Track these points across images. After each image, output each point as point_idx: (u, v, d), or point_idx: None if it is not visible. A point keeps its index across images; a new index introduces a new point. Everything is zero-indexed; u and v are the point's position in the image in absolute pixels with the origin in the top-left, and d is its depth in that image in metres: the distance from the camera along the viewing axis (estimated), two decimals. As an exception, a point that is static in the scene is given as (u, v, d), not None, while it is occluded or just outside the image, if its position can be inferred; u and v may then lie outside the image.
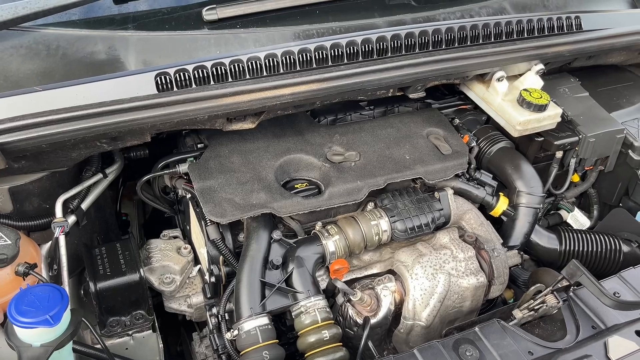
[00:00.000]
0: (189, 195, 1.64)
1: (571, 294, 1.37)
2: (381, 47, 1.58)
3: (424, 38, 1.62)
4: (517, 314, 1.33)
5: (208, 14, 1.55)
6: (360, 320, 1.49)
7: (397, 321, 1.55)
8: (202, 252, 1.62)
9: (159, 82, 1.40)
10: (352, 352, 1.42)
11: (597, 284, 1.30)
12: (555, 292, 1.34)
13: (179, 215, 1.94)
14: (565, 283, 1.37)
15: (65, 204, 1.56)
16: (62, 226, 1.47)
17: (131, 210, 2.20)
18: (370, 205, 1.66)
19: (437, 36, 1.63)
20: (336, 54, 1.54)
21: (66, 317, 1.19)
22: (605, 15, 1.92)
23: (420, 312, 1.50)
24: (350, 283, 1.57)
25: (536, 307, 1.33)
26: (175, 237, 1.79)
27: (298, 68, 1.50)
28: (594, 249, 1.80)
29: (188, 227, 1.79)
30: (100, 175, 1.67)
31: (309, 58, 1.51)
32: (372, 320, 1.49)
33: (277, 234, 1.53)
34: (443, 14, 1.72)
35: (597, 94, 2.04)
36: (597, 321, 1.32)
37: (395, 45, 1.59)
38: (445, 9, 1.74)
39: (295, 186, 1.66)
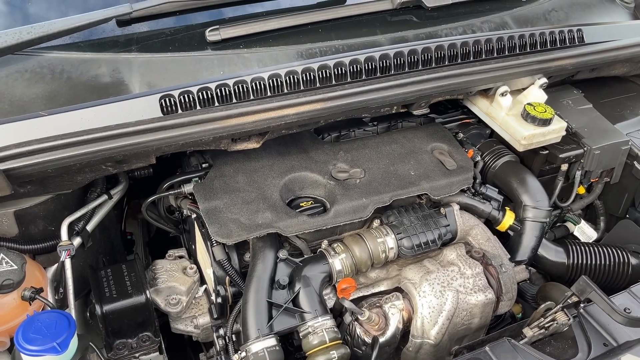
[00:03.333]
0: (194, 215, 1.64)
1: (581, 310, 1.36)
2: (384, 64, 1.58)
3: (427, 55, 1.62)
4: (528, 332, 1.32)
5: (211, 35, 1.55)
6: (368, 339, 1.48)
7: (405, 339, 1.54)
8: (209, 273, 1.61)
9: (164, 105, 1.40)
10: (361, 372, 1.41)
11: (608, 300, 1.29)
12: (565, 309, 1.33)
13: (184, 235, 1.93)
14: (574, 299, 1.36)
15: (70, 226, 1.56)
16: (68, 249, 1.47)
17: (136, 229, 2.20)
18: (376, 222, 1.66)
19: (440, 52, 1.63)
20: (340, 72, 1.54)
21: (73, 344, 1.18)
22: (607, 27, 1.93)
23: (429, 330, 1.49)
24: (357, 301, 1.56)
25: (547, 325, 1.32)
26: (180, 257, 1.78)
27: (302, 87, 1.50)
28: (602, 262, 1.79)
29: (193, 247, 1.79)
30: (105, 197, 1.67)
31: (312, 77, 1.51)
32: (381, 339, 1.47)
33: (283, 254, 1.52)
34: (445, 30, 1.72)
35: (601, 106, 2.04)
36: (608, 338, 1.30)
37: (399, 62, 1.59)
38: (447, 25, 1.74)
39: (301, 204, 1.66)
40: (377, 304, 1.54)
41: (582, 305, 1.36)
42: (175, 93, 1.41)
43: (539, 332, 1.32)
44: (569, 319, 1.32)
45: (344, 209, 1.59)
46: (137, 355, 1.56)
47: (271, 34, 1.60)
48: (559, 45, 1.79)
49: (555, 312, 1.32)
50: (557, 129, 1.79)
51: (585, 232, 2.05)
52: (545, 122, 1.75)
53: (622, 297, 1.39)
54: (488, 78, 1.70)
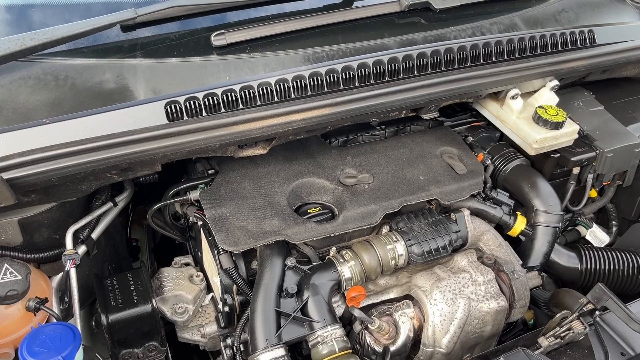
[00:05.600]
0: (200, 223, 1.61)
1: (597, 319, 1.32)
2: (393, 68, 1.55)
3: (436, 58, 1.59)
4: (543, 341, 1.29)
5: (217, 39, 1.53)
6: (378, 348, 1.45)
7: (416, 348, 1.51)
8: (215, 281, 1.59)
9: (169, 111, 1.38)
10: (372, 383, 1.38)
11: (625, 309, 1.26)
12: (581, 317, 1.30)
13: (190, 242, 1.91)
14: (590, 307, 1.33)
15: (75, 234, 1.54)
16: (72, 259, 1.45)
17: (141, 235, 2.18)
18: (385, 229, 1.63)
19: (450, 55, 1.61)
20: (347, 76, 1.51)
21: (79, 357, 1.16)
22: (618, 28, 1.89)
23: (440, 338, 1.46)
24: (367, 309, 1.54)
25: (562, 334, 1.29)
26: (187, 265, 1.76)
27: (309, 92, 1.47)
28: (616, 267, 1.76)
29: (200, 254, 1.77)
30: (110, 204, 1.65)
31: (320, 82, 1.49)
32: (391, 348, 1.45)
33: (291, 261, 1.49)
34: (454, 32, 1.69)
35: (612, 108, 2.00)
36: (626, 347, 1.27)
37: (407, 65, 1.56)
38: (456, 27, 1.71)
39: (309, 211, 1.63)
40: (387, 312, 1.51)
41: (598, 313, 1.33)
42: (181, 99, 1.39)
43: (554, 342, 1.29)
44: (585, 327, 1.28)
45: (352, 215, 1.56)
46: (143, 365, 1.54)
47: (277, 38, 1.57)
48: (570, 47, 1.76)
49: (571, 321, 1.29)
50: (569, 132, 1.75)
51: (597, 236, 2.01)
52: (557, 125, 1.72)
53: (639, 305, 1.35)
54: (498, 81, 1.67)
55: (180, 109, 1.39)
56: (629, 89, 2.12)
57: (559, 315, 1.30)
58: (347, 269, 1.50)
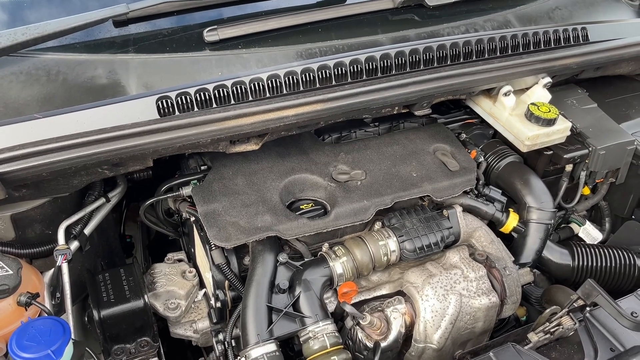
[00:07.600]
0: (193, 219, 1.62)
1: (587, 314, 1.33)
2: (385, 64, 1.55)
3: (429, 54, 1.59)
4: (533, 337, 1.29)
5: (209, 35, 1.53)
6: (370, 344, 1.46)
7: (407, 344, 1.51)
8: (207, 277, 1.59)
9: (161, 107, 1.38)
10: (363, 378, 1.38)
11: (614, 304, 1.27)
12: (570, 313, 1.31)
13: (184, 238, 1.91)
14: (580, 303, 1.33)
15: (67, 229, 1.54)
16: (64, 254, 1.44)
17: (135, 231, 2.18)
18: (377, 225, 1.63)
19: (442, 52, 1.61)
20: (340, 72, 1.51)
21: (68, 351, 1.16)
22: (612, 25, 1.90)
23: (432, 334, 1.47)
24: (359, 305, 1.54)
25: (552, 330, 1.29)
26: (179, 260, 1.76)
27: (301, 88, 1.48)
28: (608, 264, 1.77)
29: (193, 250, 1.77)
30: (103, 200, 1.65)
31: (312, 78, 1.49)
32: (382, 344, 1.45)
33: (283, 257, 1.50)
34: (447, 29, 1.69)
35: (606, 105, 2.01)
36: (615, 343, 1.28)
37: (400, 62, 1.57)
38: (449, 23, 1.71)
39: (301, 207, 1.64)
40: (379, 308, 1.51)
41: (588, 309, 1.33)
42: (173, 94, 1.39)
43: (544, 337, 1.29)
44: (575, 323, 1.29)
45: (344, 212, 1.57)
46: (135, 360, 1.54)
47: (270, 34, 1.58)
48: (563, 44, 1.76)
49: (561, 317, 1.29)
50: (561, 129, 1.76)
51: (590, 233, 2.02)
52: (550, 122, 1.72)
53: (628, 301, 1.36)
54: (491, 78, 1.67)
55: (172, 104, 1.39)
56: (623, 86, 2.12)
57: (548, 310, 1.31)
58: (339, 265, 1.50)
